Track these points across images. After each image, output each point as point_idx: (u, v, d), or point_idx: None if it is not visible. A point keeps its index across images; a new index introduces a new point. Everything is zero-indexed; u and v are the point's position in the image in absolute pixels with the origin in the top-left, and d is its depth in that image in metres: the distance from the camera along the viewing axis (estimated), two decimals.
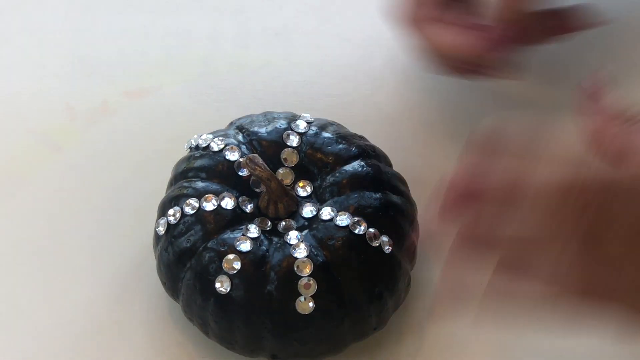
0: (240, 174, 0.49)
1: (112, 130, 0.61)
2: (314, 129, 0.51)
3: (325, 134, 0.51)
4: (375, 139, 0.53)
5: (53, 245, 0.55)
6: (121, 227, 0.56)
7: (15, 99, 0.63)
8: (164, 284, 0.49)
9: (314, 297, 0.45)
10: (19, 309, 0.52)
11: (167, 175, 0.52)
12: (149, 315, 0.52)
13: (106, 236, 0.55)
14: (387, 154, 0.52)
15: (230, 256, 0.45)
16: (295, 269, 0.45)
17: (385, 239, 0.47)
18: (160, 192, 0.51)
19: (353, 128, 0.54)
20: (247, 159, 0.47)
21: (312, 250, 0.46)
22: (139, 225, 0.55)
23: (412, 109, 0.62)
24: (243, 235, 0.46)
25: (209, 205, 0.47)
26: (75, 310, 0.52)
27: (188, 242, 0.47)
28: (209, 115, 0.60)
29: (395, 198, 0.48)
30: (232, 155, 0.49)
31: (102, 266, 0.54)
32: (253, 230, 0.47)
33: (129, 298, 0.52)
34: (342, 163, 0.50)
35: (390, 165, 0.52)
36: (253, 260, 0.45)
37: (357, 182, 0.48)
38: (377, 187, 0.48)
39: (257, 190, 0.49)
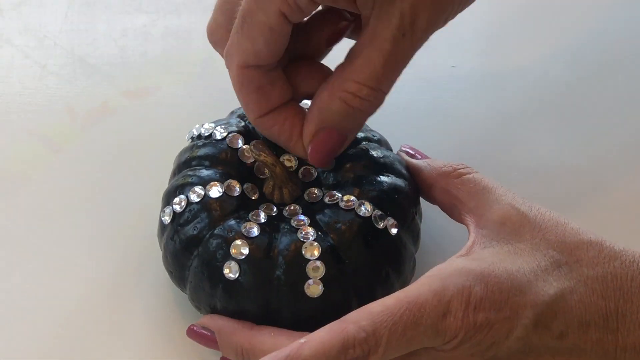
0: (243, 161, 0.49)
1: (112, 130, 0.61)
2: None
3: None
4: (373, 127, 0.53)
5: (54, 245, 0.55)
6: (122, 226, 0.55)
7: (15, 99, 0.63)
8: (170, 273, 0.49)
9: (322, 279, 0.44)
10: (20, 307, 0.52)
11: (167, 175, 0.52)
12: (156, 307, 0.51)
13: (107, 235, 0.55)
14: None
15: (238, 242, 0.45)
16: (303, 252, 0.45)
17: (390, 221, 0.47)
18: (160, 191, 0.51)
19: None
20: (252, 144, 0.47)
21: (319, 233, 0.46)
22: (139, 223, 0.55)
23: (411, 102, 0.63)
24: (250, 221, 0.46)
25: (214, 193, 0.47)
26: (80, 306, 0.52)
27: (195, 229, 0.47)
28: (209, 115, 0.60)
29: (399, 181, 0.48)
30: (235, 143, 0.50)
31: (104, 263, 0.54)
32: (260, 216, 0.47)
33: (135, 291, 0.52)
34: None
35: (391, 150, 0.52)
36: (261, 246, 0.45)
37: (360, 166, 0.49)
38: (381, 170, 0.49)
39: (261, 177, 0.49)
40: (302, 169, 0.50)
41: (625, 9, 0.71)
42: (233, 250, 0.45)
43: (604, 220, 0.55)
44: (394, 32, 0.44)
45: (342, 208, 0.46)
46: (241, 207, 0.47)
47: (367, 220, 0.46)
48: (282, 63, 0.47)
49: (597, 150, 0.60)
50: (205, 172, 0.49)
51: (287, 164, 0.50)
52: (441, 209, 0.50)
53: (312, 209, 0.48)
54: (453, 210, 0.49)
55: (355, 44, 0.45)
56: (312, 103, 0.47)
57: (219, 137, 0.50)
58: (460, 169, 0.49)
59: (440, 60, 0.66)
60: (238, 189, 0.48)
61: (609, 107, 0.63)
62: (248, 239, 0.45)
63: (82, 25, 0.67)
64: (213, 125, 0.51)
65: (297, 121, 0.47)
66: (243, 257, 0.45)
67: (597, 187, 0.58)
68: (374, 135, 0.51)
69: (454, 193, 0.48)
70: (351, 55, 0.45)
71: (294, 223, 0.47)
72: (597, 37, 0.69)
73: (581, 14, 0.71)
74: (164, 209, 0.49)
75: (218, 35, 0.49)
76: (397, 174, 0.49)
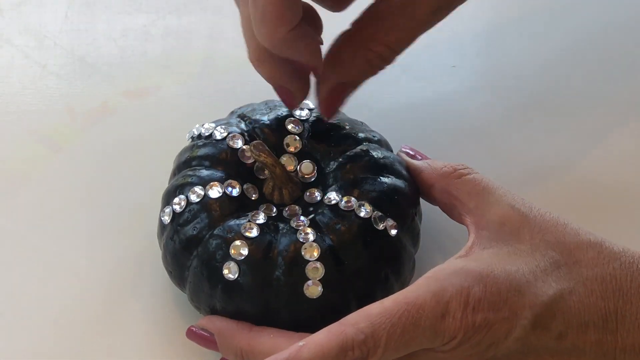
0: (243, 161, 0.49)
1: (112, 130, 0.61)
2: (315, 115, 0.51)
3: (327, 120, 0.51)
4: (373, 127, 0.53)
5: (53, 244, 0.55)
6: (122, 226, 0.55)
7: (15, 99, 0.63)
8: (169, 273, 0.49)
9: (321, 280, 0.44)
10: (20, 307, 0.52)
11: (167, 175, 0.52)
12: (155, 307, 0.51)
13: (107, 234, 0.55)
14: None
15: (238, 242, 0.45)
16: (303, 253, 0.45)
17: (390, 222, 0.47)
18: (160, 191, 0.51)
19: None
20: (252, 145, 0.47)
21: (319, 234, 0.46)
22: (139, 223, 0.55)
23: (411, 102, 0.63)
24: (249, 221, 0.46)
25: (214, 193, 0.47)
26: (80, 306, 0.52)
27: (194, 229, 0.47)
28: (209, 115, 0.60)
29: (399, 182, 0.48)
30: (235, 143, 0.50)
31: (104, 263, 0.53)
32: (259, 217, 0.47)
33: (134, 290, 0.52)
34: (345, 148, 0.50)
35: (391, 151, 0.52)
36: (260, 246, 0.45)
37: (360, 167, 0.49)
38: (381, 171, 0.49)
39: (261, 178, 0.49)
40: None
41: (626, 8, 0.71)
42: (232, 251, 0.45)
43: (603, 219, 0.55)
44: (434, 7, 0.46)
45: (341, 209, 0.46)
46: (241, 208, 0.47)
47: (367, 221, 0.46)
48: None
49: (597, 150, 0.60)
50: (205, 172, 0.49)
51: (287, 164, 0.50)
52: (441, 209, 0.50)
53: (311, 210, 0.48)
54: (453, 211, 0.49)
55: (380, 4, 0.46)
56: (330, 56, 0.48)
57: (219, 137, 0.50)
58: (460, 169, 0.49)
59: (440, 60, 0.66)
60: (238, 190, 0.48)
61: (609, 107, 0.63)
62: (247, 240, 0.45)
63: (82, 25, 0.67)
64: (213, 125, 0.51)
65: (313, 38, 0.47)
66: (242, 257, 0.45)
67: (597, 187, 0.58)
68: (374, 136, 0.51)
69: (454, 193, 0.48)
70: (378, 15, 0.46)
71: (293, 224, 0.47)
72: (597, 36, 0.69)
73: (582, 13, 0.71)
74: (164, 209, 0.49)
75: None
76: (397, 175, 0.49)
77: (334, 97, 0.48)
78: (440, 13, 0.46)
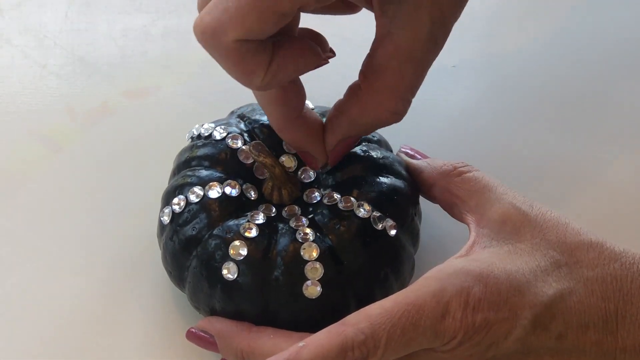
0: (243, 161, 0.49)
1: (112, 130, 0.61)
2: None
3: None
4: None
5: (53, 245, 0.55)
6: (121, 226, 0.56)
7: (15, 99, 0.63)
8: (169, 273, 0.49)
9: (320, 281, 0.44)
10: (20, 307, 0.52)
11: (167, 175, 0.52)
12: (155, 307, 0.51)
13: (107, 235, 0.55)
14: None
15: (237, 242, 0.45)
16: (302, 253, 0.45)
17: (389, 222, 0.46)
18: (160, 191, 0.51)
19: None
20: (251, 145, 0.47)
21: (318, 234, 0.46)
22: (139, 223, 0.55)
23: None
24: (248, 221, 0.46)
25: (214, 193, 0.47)
26: (79, 306, 0.52)
27: (194, 230, 0.47)
28: (209, 115, 0.60)
29: (398, 182, 0.48)
30: (235, 143, 0.50)
31: (104, 263, 0.54)
32: (258, 217, 0.47)
33: (134, 290, 0.52)
34: None
35: (391, 151, 0.52)
36: (259, 246, 0.45)
37: (360, 166, 0.49)
38: (380, 171, 0.49)
39: (260, 178, 0.49)
40: (301, 170, 0.50)
41: (628, 7, 0.71)
42: (231, 251, 0.45)
43: (604, 218, 0.55)
44: (426, 42, 0.44)
45: (341, 209, 0.46)
46: (240, 208, 0.47)
47: (366, 221, 0.46)
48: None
49: (597, 149, 0.60)
50: (204, 173, 0.49)
51: (287, 164, 0.50)
52: (442, 208, 0.50)
53: (311, 210, 0.48)
54: (454, 210, 0.49)
55: (377, 54, 0.45)
56: (340, 111, 0.47)
57: (218, 137, 0.50)
58: (460, 167, 0.48)
59: (440, 60, 0.66)
60: (237, 190, 0.48)
61: (610, 106, 0.63)
62: (247, 240, 0.45)
63: (82, 25, 0.67)
64: (213, 125, 0.51)
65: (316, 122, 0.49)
66: (241, 257, 0.45)
67: (598, 186, 0.58)
68: (373, 136, 0.51)
69: (454, 192, 0.48)
70: (377, 68, 0.45)
71: (292, 224, 0.47)
72: (597, 36, 0.69)
73: (582, 12, 0.71)
74: (163, 209, 0.49)
75: None
76: (397, 175, 0.49)
77: (342, 149, 0.48)
78: (437, 46, 0.45)
